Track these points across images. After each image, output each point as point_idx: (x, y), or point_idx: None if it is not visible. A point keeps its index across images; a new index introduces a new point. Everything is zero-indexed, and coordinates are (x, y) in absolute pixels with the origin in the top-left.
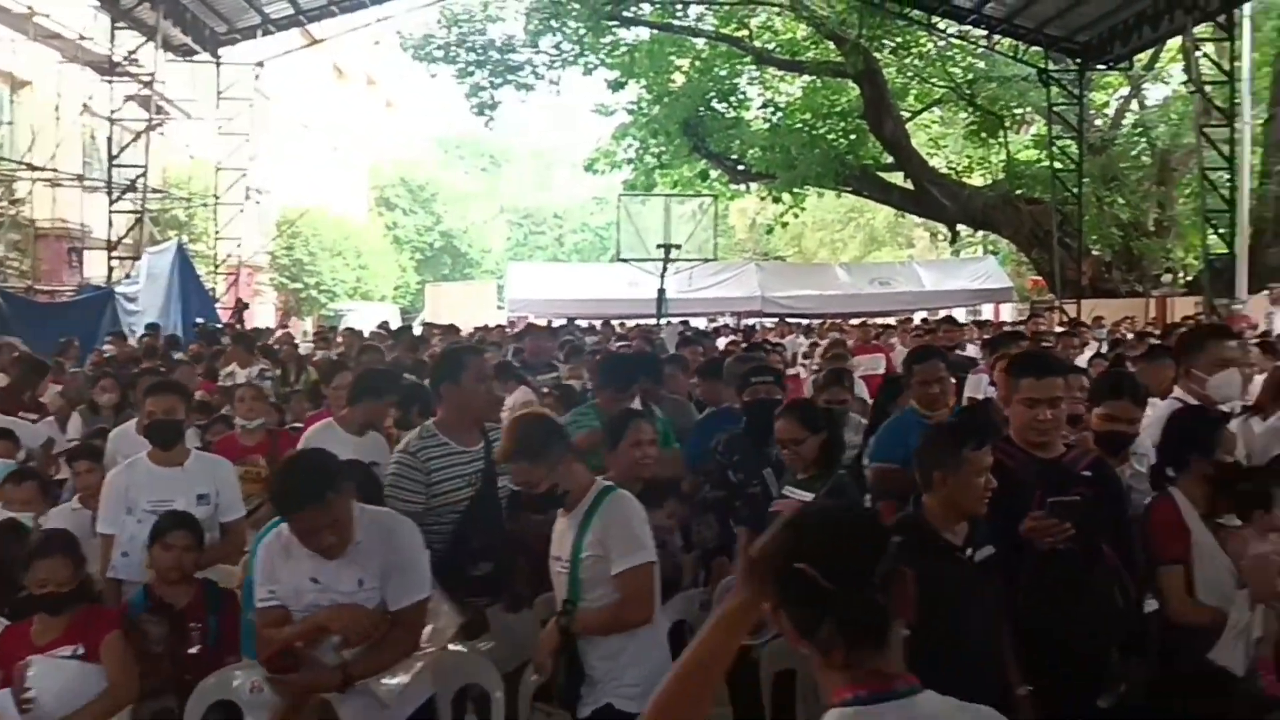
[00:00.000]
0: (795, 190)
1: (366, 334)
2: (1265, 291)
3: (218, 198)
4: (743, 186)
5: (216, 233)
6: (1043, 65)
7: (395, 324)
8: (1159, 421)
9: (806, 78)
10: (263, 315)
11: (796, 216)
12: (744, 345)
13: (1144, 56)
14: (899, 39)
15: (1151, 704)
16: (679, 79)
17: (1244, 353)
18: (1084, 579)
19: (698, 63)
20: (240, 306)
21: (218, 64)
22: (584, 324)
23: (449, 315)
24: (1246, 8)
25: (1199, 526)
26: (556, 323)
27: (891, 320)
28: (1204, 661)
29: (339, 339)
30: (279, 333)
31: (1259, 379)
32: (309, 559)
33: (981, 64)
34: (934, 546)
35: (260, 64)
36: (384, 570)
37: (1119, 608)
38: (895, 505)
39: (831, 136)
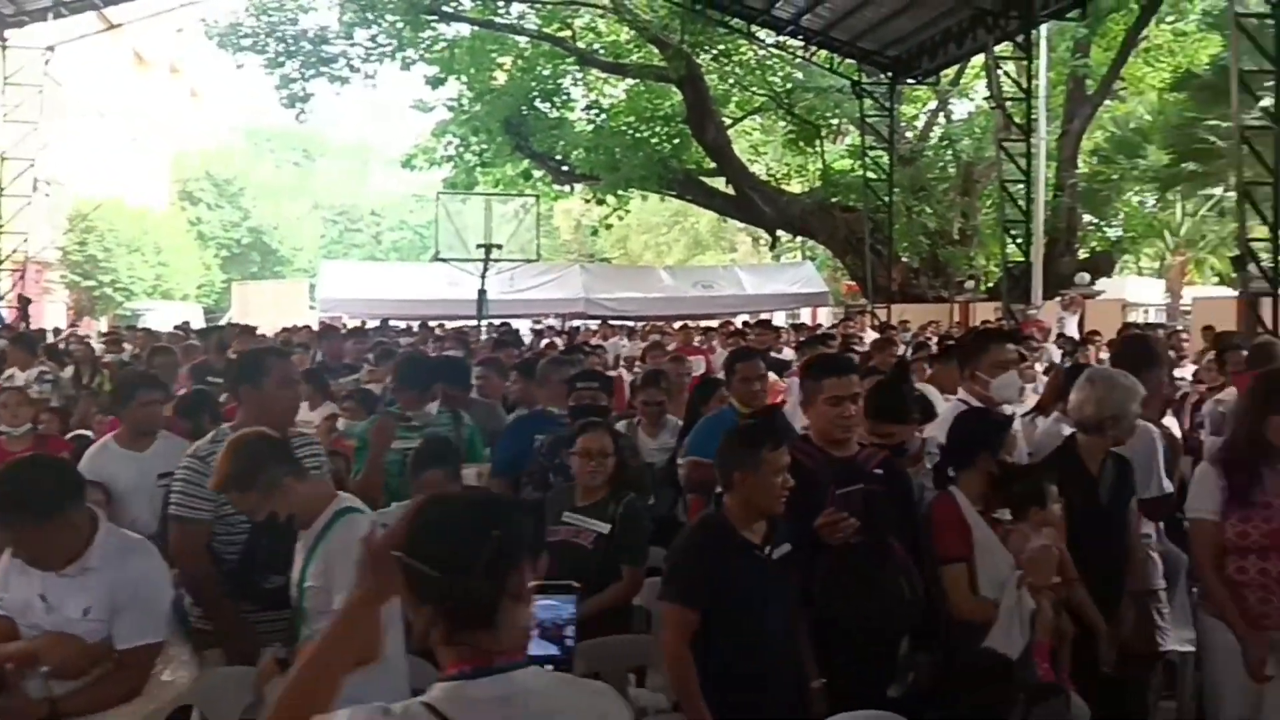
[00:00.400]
0: (620, 192)
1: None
2: (1058, 298)
3: (1, 189)
4: (567, 187)
5: (0, 226)
6: (856, 78)
7: (198, 324)
8: (944, 422)
9: (630, 81)
10: (53, 315)
11: (621, 219)
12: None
13: (950, 72)
14: (720, 46)
15: (938, 692)
16: (501, 77)
17: (1030, 355)
18: (874, 573)
19: (520, 61)
20: (23, 303)
21: (3, 47)
22: (401, 325)
23: (258, 316)
24: (1043, 29)
25: (979, 522)
26: (371, 324)
27: (715, 323)
28: (984, 650)
29: (135, 339)
30: (67, 332)
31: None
32: (41, 575)
33: (799, 74)
34: (733, 544)
35: (51, 48)
36: (114, 603)
37: (907, 600)
38: (704, 500)
39: (655, 140)
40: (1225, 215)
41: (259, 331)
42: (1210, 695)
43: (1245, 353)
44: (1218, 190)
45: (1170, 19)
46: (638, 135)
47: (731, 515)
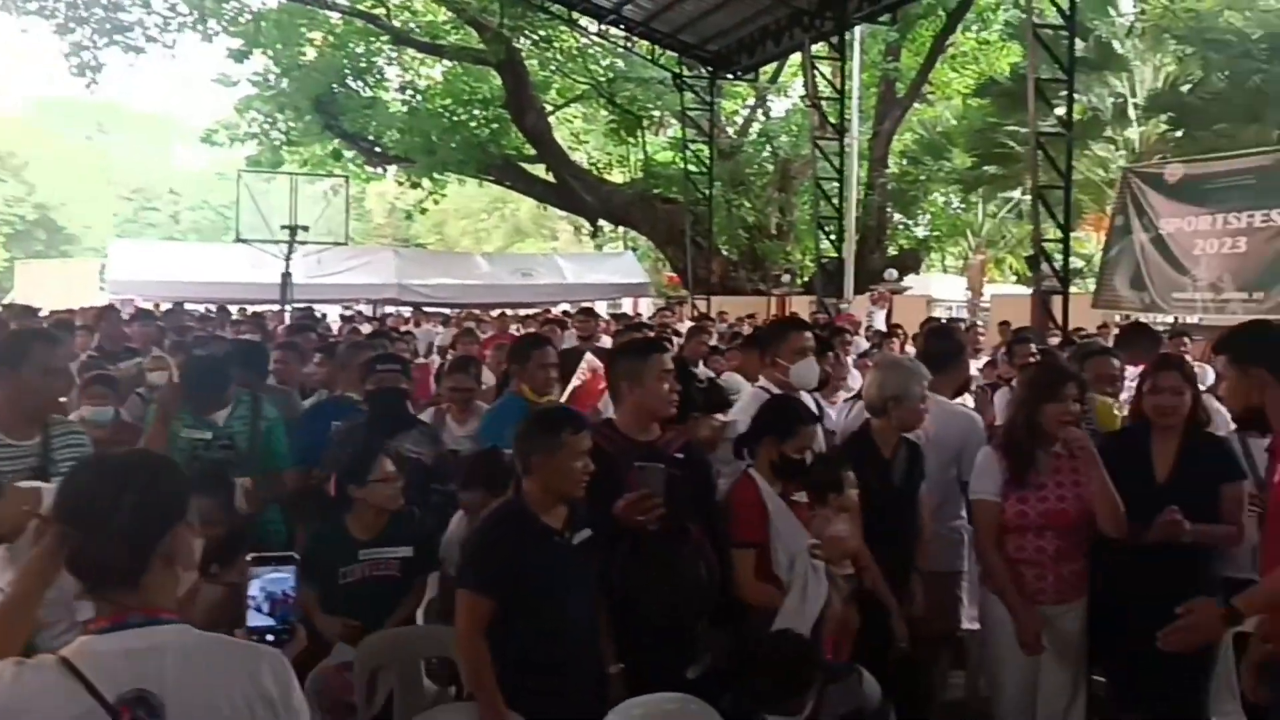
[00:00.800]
0: (435, 176)
1: None
2: (868, 293)
3: None
4: (380, 170)
5: None
6: (678, 70)
7: None
8: (745, 408)
9: (448, 62)
10: None
11: (437, 203)
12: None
13: (769, 70)
14: (542, 32)
15: (735, 673)
16: (311, 53)
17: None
18: (673, 558)
19: (332, 38)
20: None
21: None
22: (200, 309)
23: (44, 297)
24: (857, 32)
25: (779, 506)
26: (165, 306)
27: (533, 311)
28: (781, 632)
29: None
30: None
31: None
32: None
33: (622, 64)
34: (532, 530)
35: None
36: None
37: (705, 583)
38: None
39: (473, 124)
40: (1022, 217)
41: (42, 313)
42: (991, 668)
43: (1032, 345)
44: (1016, 193)
45: (975, 28)
46: (455, 118)
47: (531, 500)
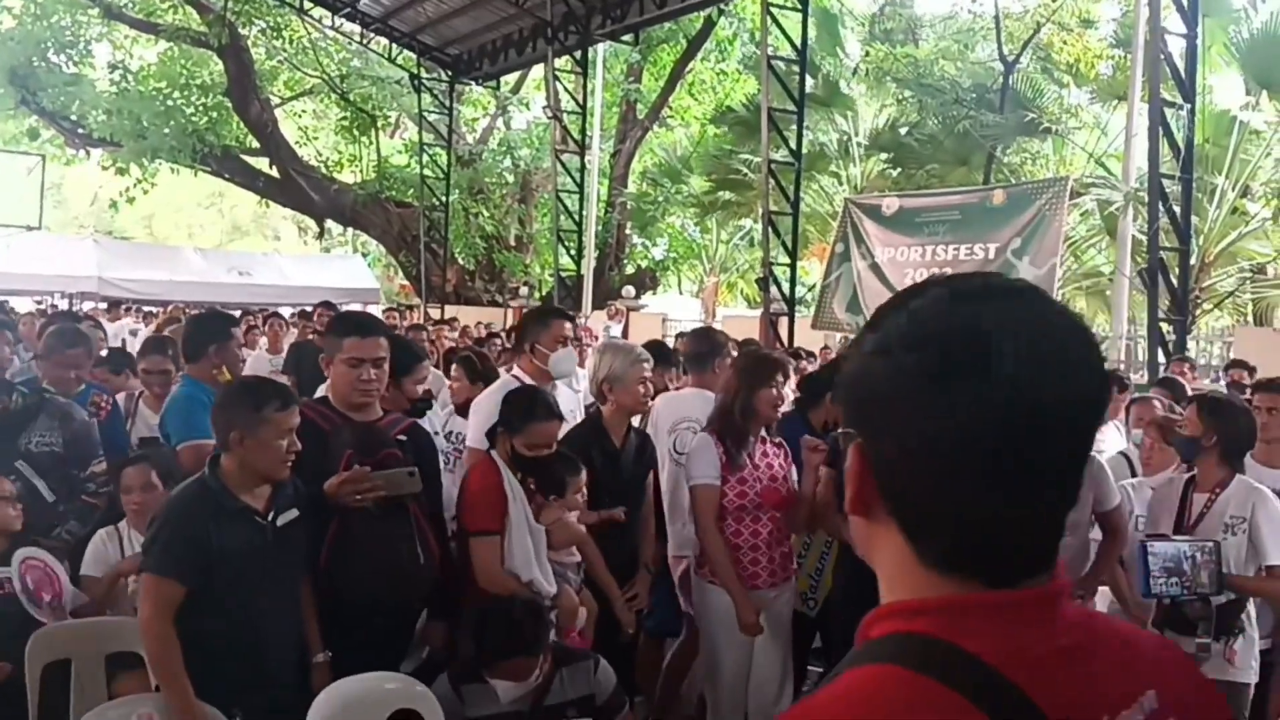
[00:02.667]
0: (145, 163)
1: None
2: (606, 308)
3: None
4: (82, 152)
5: None
6: (416, 71)
7: None
8: (492, 394)
9: (164, 43)
10: None
11: (146, 193)
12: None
13: (511, 80)
14: (269, 19)
15: (461, 662)
16: (9, 21)
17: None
18: (384, 542)
19: (33, 6)
20: None
21: None
22: None
23: None
24: (600, 50)
25: (518, 493)
26: None
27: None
28: (514, 621)
29: None
30: None
31: None
32: None
33: (356, 61)
34: (228, 510)
35: None
36: None
37: (420, 570)
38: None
39: (190, 110)
40: (753, 244)
41: None
42: (708, 656)
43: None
44: (748, 221)
45: (714, 58)
46: (170, 103)
47: (229, 478)
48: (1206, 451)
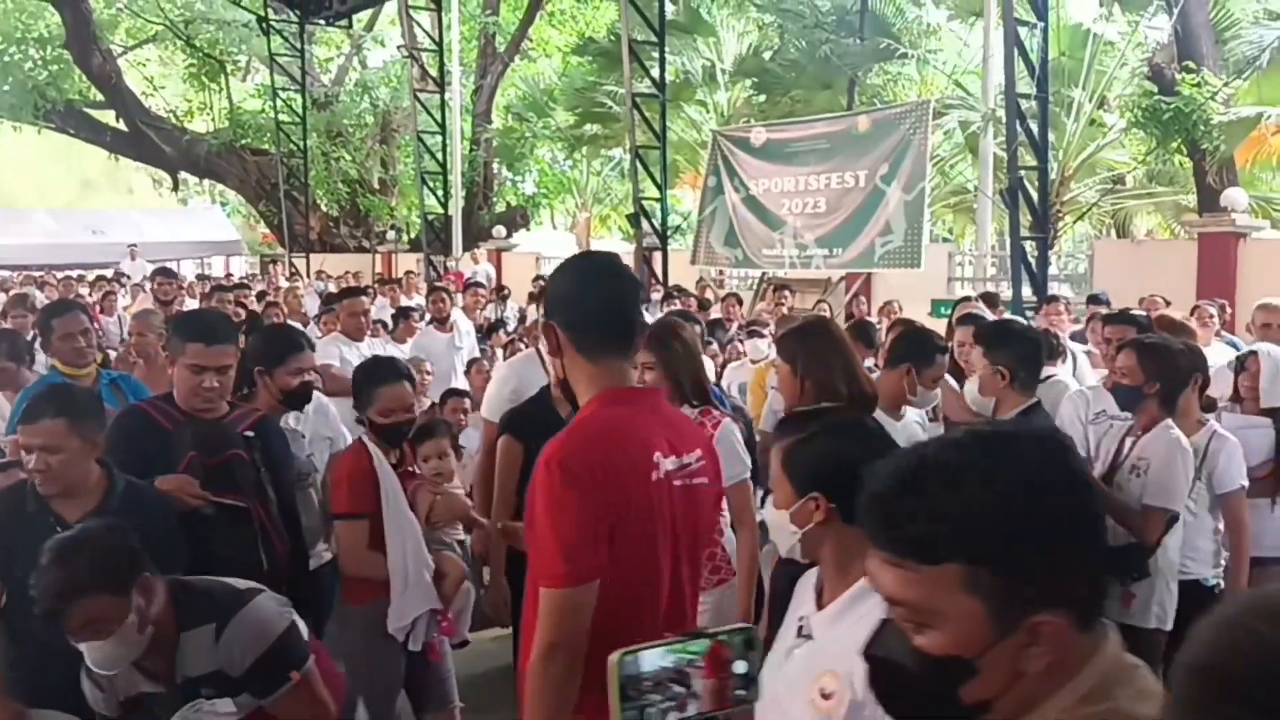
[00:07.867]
0: None
1: None
2: (477, 248)
3: None
4: None
5: None
6: (262, 13)
7: None
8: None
9: None
10: None
11: None
12: None
13: (364, 17)
14: None
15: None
16: None
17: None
18: (225, 544)
19: None
20: None
21: None
22: None
23: None
24: None
25: (388, 473)
26: None
27: (109, 273)
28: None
29: None
30: None
31: None
32: None
33: (200, 4)
34: (41, 514)
35: None
36: None
37: (261, 568)
38: None
39: (28, 65)
40: (624, 176)
41: None
42: None
43: None
44: (618, 151)
45: None
46: (6, 58)
47: None
48: (1147, 400)
